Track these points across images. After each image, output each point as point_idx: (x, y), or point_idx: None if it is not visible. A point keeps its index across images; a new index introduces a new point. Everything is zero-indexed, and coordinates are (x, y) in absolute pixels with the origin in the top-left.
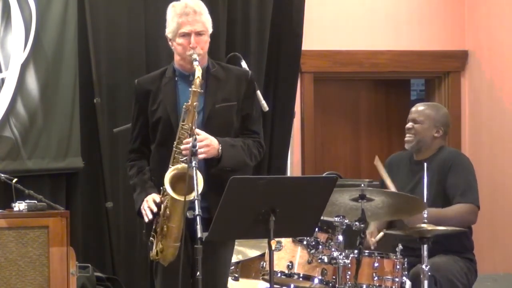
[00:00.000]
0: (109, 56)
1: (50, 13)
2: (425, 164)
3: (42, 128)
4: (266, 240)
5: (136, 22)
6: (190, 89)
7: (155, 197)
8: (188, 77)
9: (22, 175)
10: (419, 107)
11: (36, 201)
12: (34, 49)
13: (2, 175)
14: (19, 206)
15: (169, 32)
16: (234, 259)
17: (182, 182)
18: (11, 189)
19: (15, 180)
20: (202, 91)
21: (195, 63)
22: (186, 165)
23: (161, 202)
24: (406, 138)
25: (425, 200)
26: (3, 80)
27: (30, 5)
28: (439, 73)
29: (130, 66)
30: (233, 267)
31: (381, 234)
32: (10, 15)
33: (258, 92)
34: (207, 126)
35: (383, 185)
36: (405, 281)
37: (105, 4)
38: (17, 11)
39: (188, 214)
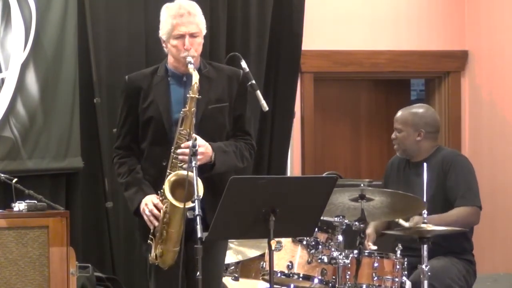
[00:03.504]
0: (109, 56)
1: (50, 13)
2: (425, 165)
3: (42, 128)
4: (266, 240)
5: (136, 22)
6: (188, 95)
7: (155, 200)
8: (181, 78)
9: (22, 175)
10: (398, 114)
11: (36, 201)
12: (34, 49)
13: (2, 175)
14: (19, 206)
15: (163, 33)
16: (234, 259)
17: (182, 187)
18: (11, 189)
19: (15, 180)
20: (200, 97)
21: (191, 67)
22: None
23: (161, 207)
24: (394, 147)
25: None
26: (3, 80)
27: (30, 5)
28: (439, 73)
29: (130, 66)
30: (233, 267)
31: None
32: (10, 15)
33: (258, 92)
34: (200, 128)
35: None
36: (405, 281)
37: (105, 4)
38: (17, 11)
39: (188, 214)
